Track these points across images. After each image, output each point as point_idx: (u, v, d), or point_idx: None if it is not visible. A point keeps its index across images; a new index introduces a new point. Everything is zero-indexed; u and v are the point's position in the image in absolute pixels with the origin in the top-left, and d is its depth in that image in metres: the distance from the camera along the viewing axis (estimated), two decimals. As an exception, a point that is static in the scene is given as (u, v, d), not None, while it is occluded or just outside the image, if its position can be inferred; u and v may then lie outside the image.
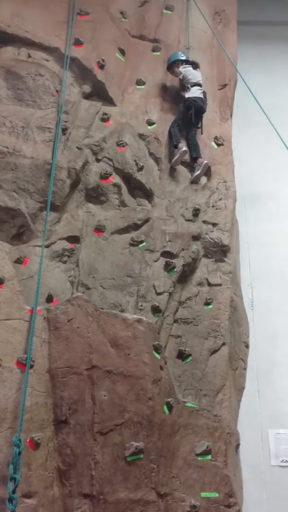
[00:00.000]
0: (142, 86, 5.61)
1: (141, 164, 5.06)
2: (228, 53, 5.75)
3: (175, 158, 5.13)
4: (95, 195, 4.93)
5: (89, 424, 3.71)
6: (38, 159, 4.71)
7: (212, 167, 5.29)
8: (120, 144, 5.08)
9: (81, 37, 5.50)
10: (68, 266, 4.57)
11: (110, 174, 4.94)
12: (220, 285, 4.76)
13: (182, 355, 4.38)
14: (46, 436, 3.67)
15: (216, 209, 5.10)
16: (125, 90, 5.57)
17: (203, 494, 3.86)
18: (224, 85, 5.96)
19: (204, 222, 4.99)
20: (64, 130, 5.05)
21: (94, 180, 4.92)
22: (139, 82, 5.61)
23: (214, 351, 4.47)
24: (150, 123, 5.36)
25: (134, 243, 4.67)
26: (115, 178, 4.96)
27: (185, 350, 4.38)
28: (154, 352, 4.10)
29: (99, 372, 3.87)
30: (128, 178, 5.03)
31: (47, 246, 4.54)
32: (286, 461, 4.76)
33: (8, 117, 4.90)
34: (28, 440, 3.54)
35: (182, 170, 5.26)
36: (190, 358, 4.38)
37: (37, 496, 3.47)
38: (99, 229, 4.69)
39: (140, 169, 5.05)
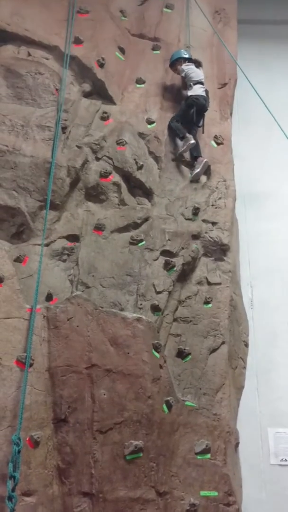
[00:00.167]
0: (142, 85, 5.60)
1: (141, 163, 5.05)
2: (228, 52, 5.75)
3: (182, 148, 5.14)
4: (94, 194, 4.92)
5: (89, 422, 3.71)
6: (38, 157, 4.70)
7: (212, 166, 5.28)
8: (120, 142, 5.07)
9: (81, 36, 5.48)
10: (67, 264, 4.57)
11: (110, 173, 4.94)
12: (219, 284, 4.76)
13: (181, 354, 4.38)
14: (46, 434, 3.67)
15: (216, 208, 5.10)
16: (125, 88, 5.56)
17: (202, 493, 3.87)
18: (224, 84, 5.95)
19: (203, 221, 4.99)
20: (64, 128, 5.04)
21: (93, 178, 4.91)
22: (139, 81, 5.59)
23: (214, 350, 4.47)
24: (150, 121, 5.35)
25: (134, 242, 4.66)
26: (115, 177, 4.96)
27: (184, 349, 4.38)
28: (153, 350, 4.10)
29: (99, 371, 3.87)
30: (127, 177, 5.02)
31: (47, 245, 4.53)
32: (286, 460, 4.77)
33: (7, 115, 4.89)
34: (27, 439, 3.55)
35: (182, 169, 5.27)
36: (190, 357, 4.38)
37: (36, 494, 3.49)
38: (98, 227, 4.69)
39: (140, 168, 5.05)
